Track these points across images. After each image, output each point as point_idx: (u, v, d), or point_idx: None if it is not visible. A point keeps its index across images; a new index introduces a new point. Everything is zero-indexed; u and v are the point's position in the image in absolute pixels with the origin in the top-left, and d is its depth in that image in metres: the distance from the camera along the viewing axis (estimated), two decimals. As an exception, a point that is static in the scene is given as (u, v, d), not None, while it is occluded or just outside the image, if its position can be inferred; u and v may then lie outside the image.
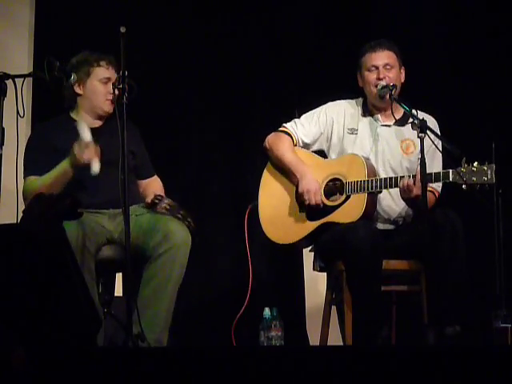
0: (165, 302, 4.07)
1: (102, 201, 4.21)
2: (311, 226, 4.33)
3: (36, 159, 4.27)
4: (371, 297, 4.07)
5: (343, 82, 4.56)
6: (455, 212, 4.14)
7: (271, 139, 4.47)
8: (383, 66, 4.33)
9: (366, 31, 5.13)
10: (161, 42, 5.33)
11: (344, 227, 4.16)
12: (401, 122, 4.38)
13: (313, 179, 4.32)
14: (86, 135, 4.13)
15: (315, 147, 4.46)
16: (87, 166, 4.10)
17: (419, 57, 5.26)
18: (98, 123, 4.37)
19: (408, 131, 4.31)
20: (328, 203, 4.31)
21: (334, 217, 4.28)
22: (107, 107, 4.33)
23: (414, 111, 4.10)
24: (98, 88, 4.32)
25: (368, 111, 4.42)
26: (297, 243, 4.40)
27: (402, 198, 4.23)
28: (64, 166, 4.15)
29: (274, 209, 4.42)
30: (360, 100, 4.47)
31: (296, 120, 4.48)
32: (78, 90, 4.35)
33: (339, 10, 5.45)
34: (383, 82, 4.30)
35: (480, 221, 4.76)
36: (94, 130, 4.26)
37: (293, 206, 4.39)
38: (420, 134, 3.96)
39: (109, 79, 4.31)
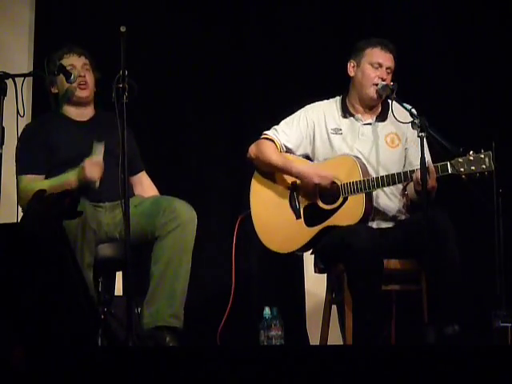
0: (181, 279, 4.12)
1: (98, 194, 4.21)
2: (311, 232, 4.29)
3: (31, 157, 4.26)
4: (372, 298, 4.05)
5: (342, 82, 4.55)
6: (448, 213, 4.12)
7: (254, 148, 4.42)
8: (386, 68, 4.33)
9: (364, 31, 5.12)
10: (161, 42, 5.33)
11: (344, 230, 4.14)
12: (381, 118, 4.38)
13: (310, 167, 4.29)
14: (100, 155, 4.16)
15: (299, 152, 4.40)
16: (91, 183, 4.14)
17: (419, 55, 5.27)
18: (85, 115, 4.37)
19: (389, 125, 4.34)
20: (325, 207, 4.27)
21: (334, 220, 4.24)
22: (79, 93, 4.33)
23: (414, 110, 4.10)
24: (65, 81, 4.28)
25: (347, 111, 4.38)
26: (297, 251, 4.37)
27: (416, 191, 4.18)
28: (70, 177, 4.16)
29: (269, 218, 4.37)
30: (337, 100, 4.44)
31: (276, 127, 4.42)
32: (54, 90, 4.38)
33: (339, 10, 5.45)
34: (384, 82, 4.30)
35: (480, 220, 4.76)
36: (84, 123, 4.27)
37: (288, 213, 4.34)
38: (420, 134, 3.96)
39: (72, 65, 4.28)
